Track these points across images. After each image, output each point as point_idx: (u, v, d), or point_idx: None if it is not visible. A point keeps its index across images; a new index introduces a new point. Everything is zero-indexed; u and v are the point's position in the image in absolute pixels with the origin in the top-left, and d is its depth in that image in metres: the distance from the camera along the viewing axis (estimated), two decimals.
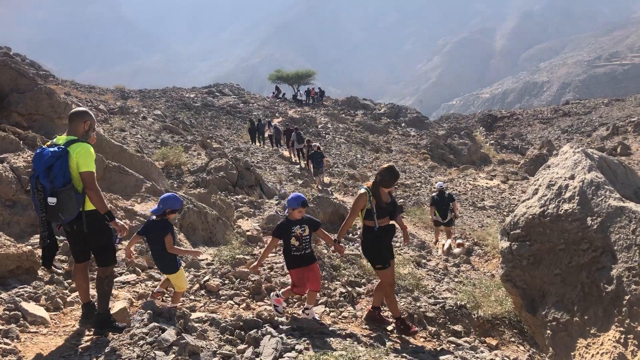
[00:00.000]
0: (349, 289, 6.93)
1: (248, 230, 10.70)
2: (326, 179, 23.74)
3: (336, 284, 7.06)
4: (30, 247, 6.26)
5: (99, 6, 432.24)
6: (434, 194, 14.05)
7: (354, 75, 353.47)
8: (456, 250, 13.39)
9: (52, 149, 4.47)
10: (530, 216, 4.45)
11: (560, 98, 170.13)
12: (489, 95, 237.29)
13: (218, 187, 12.72)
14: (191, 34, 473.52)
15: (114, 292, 5.63)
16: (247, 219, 11.88)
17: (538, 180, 4.73)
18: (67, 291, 5.56)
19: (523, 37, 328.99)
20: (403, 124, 46.87)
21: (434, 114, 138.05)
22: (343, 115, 46.03)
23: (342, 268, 7.94)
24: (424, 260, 11.30)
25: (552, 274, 4.20)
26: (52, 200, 4.38)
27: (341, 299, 6.52)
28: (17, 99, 9.14)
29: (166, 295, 5.79)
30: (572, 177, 4.34)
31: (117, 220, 4.73)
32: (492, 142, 48.90)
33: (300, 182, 20.65)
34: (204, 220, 9.03)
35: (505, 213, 22.72)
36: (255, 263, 5.89)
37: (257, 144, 30.18)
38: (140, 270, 6.47)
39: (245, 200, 12.77)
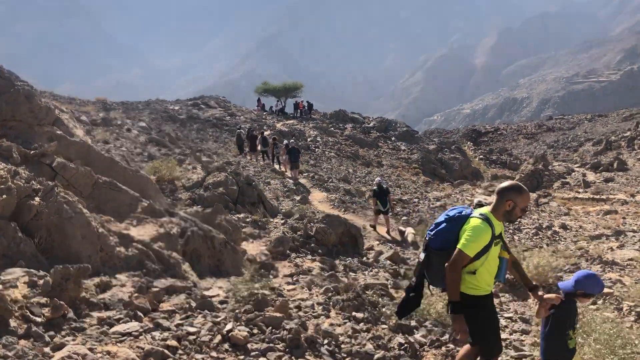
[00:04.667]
0: (407, 337, 5.59)
1: (254, 255, 9.37)
2: (322, 195, 22.52)
3: (385, 330, 5.72)
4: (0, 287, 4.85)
5: (78, 20, 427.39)
6: (374, 188, 16.66)
7: (335, 90, 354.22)
8: (410, 237, 15.39)
9: (458, 212, 4.31)
10: None
11: (539, 114, 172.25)
12: (470, 111, 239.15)
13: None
14: (171, 49, 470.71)
15: (110, 348, 4.27)
16: (252, 242, 10.50)
17: None
18: (48, 349, 4.14)
19: (502, 54, 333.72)
20: (393, 138, 45.87)
21: (416, 129, 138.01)
22: (332, 128, 44.93)
23: (381, 305, 6.60)
24: None
25: None
26: (421, 255, 4.36)
27: (401, 352, 5.18)
28: None
29: None
30: None
31: (459, 316, 4.04)
32: (480, 157, 48.32)
33: (297, 197, 19.32)
34: (210, 245, 7.65)
35: (511, 231, 21.70)
36: None
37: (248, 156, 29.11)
38: (142, 315, 5.08)
39: (248, 220, 11.39)
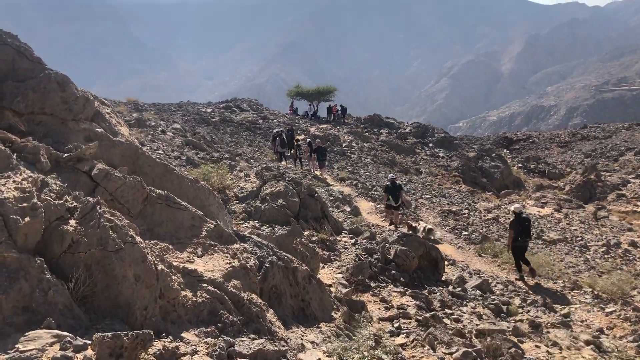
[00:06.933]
0: None
1: (331, 285, 7.54)
2: (369, 205, 20.84)
3: None
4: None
5: (108, 23, 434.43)
6: (387, 183, 16.90)
7: (358, 96, 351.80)
8: (437, 233, 15.70)
9: None
10: None
11: (567, 122, 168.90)
12: (496, 118, 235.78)
13: (276, 220, 9.55)
14: (197, 53, 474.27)
15: None
16: (323, 267, 8.67)
17: None
18: None
19: (530, 61, 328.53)
20: (431, 144, 43.87)
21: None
22: (367, 133, 43.20)
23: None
24: (579, 330, 7.98)
25: None
26: None
27: None
28: (13, 90, 5.81)
29: None
30: None
31: None
32: (519, 165, 46.23)
33: (348, 208, 17.49)
34: (293, 281, 5.80)
35: (578, 249, 19.64)
36: None
37: (283, 162, 27.67)
38: None
39: (314, 239, 9.54)
